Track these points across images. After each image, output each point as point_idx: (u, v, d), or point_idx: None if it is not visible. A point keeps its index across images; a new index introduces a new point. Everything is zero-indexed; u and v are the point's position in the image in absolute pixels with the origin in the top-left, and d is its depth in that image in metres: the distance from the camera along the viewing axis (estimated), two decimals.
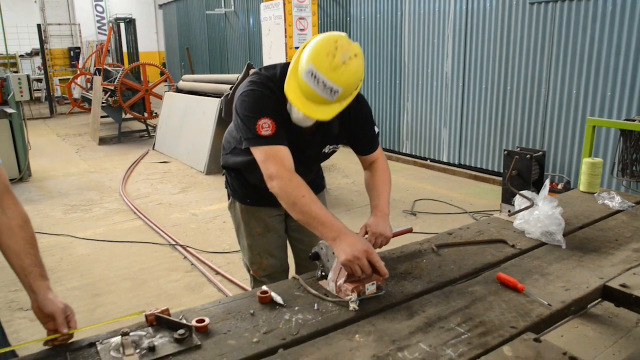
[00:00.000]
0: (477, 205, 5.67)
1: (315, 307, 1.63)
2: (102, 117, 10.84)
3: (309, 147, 2.12)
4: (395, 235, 2.06)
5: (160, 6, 18.91)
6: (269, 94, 1.95)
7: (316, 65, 1.73)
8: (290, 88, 1.83)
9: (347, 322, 1.56)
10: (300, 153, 2.01)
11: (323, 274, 1.82)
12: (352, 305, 1.62)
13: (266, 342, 1.45)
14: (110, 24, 17.41)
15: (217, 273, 4.01)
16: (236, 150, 2.28)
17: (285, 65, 1.99)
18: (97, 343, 1.47)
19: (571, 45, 5.56)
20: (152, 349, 1.42)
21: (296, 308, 1.64)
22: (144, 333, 1.51)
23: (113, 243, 4.77)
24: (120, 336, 1.45)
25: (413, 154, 7.88)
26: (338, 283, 1.69)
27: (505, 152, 2.47)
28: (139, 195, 6.49)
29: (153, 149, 9.46)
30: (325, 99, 1.78)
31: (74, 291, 3.85)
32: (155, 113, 10.67)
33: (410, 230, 2.19)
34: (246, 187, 2.38)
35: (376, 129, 2.23)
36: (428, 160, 7.64)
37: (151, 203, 6.11)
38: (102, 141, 10.48)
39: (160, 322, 1.55)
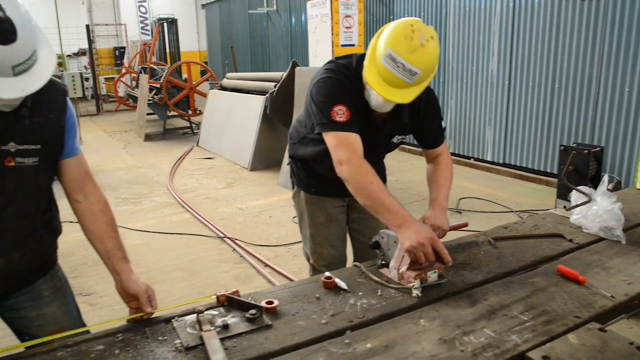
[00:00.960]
0: (524, 204, 5.61)
1: (379, 293, 1.68)
2: (147, 114, 11.15)
3: (379, 136, 2.17)
4: (452, 228, 2.09)
5: (203, 6, 19.26)
6: (345, 82, 2.01)
7: (395, 49, 1.78)
8: (370, 73, 1.89)
9: (411, 308, 1.61)
10: (370, 142, 2.06)
11: (383, 262, 1.87)
12: (415, 292, 1.66)
13: (334, 324, 1.51)
14: (156, 24, 17.84)
15: (266, 265, 4.10)
16: (305, 140, 2.33)
17: (361, 56, 2.05)
18: (172, 320, 1.56)
19: (624, 42, 5.43)
20: (225, 326, 1.50)
21: (360, 293, 1.69)
22: (216, 313, 1.59)
23: (164, 235, 4.93)
24: (195, 314, 1.54)
25: (456, 152, 7.83)
26: (400, 270, 1.74)
27: (562, 147, 2.46)
28: (186, 189, 6.67)
29: (197, 145, 9.68)
30: (405, 82, 1.83)
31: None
32: (199, 110, 10.91)
33: (465, 225, 2.22)
34: (312, 177, 2.44)
35: (443, 124, 2.26)
36: (472, 160, 7.58)
37: (198, 197, 6.27)
38: (148, 137, 10.78)
39: (231, 302, 1.63)
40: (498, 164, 7.18)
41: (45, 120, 1.57)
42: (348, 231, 2.62)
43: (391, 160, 7.80)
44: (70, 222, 1.99)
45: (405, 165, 7.65)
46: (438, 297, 1.66)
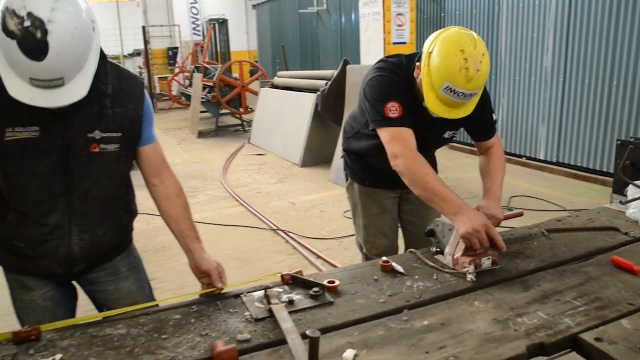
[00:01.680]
0: (578, 203, 5.51)
1: (434, 277, 1.77)
2: (200, 112, 11.50)
3: (431, 131, 2.25)
4: (507, 218, 2.14)
5: (254, 6, 19.61)
6: (397, 79, 2.10)
7: (453, 82, 1.88)
8: (431, 101, 1.98)
9: (465, 291, 1.68)
10: (422, 137, 2.14)
11: (438, 249, 1.95)
12: (470, 277, 1.73)
13: (392, 303, 1.61)
14: (210, 24, 18.33)
15: (318, 257, 4.22)
16: (359, 134, 2.44)
17: (410, 55, 2.14)
18: (241, 295, 1.70)
19: None
20: (291, 302, 1.62)
21: (416, 277, 1.78)
22: (281, 290, 1.72)
23: (219, 226, 5.14)
24: (262, 290, 1.67)
25: (508, 151, 7.72)
26: (455, 256, 1.81)
27: (619, 142, 2.44)
28: (239, 184, 6.89)
29: (249, 142, 9.92)
30: (464, 102, 1.95)
31: (188, 267, 4.21)
32: (250, 108, 11.17)
33: (521, 214, 2.26)
34: (366, 170, 2.54)
35: (494, 116, 2.31)
36: (523, 158, 7.48)
37: (251, 192, 6.47)
38: (201, 134, 11.12)
39: (295, 281, 1.75)
40: (551, 163, 7.05)
41: (125, 110, 1.73)
42: (400, 222, 2.70)
43: (441, 158, 7.76)
44: None
45: (455, 163, 7.63)
46: (492, 282, 1.73)
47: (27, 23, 1.32)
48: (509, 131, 7.70)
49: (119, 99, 1.71)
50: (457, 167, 7.38)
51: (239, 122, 11.83)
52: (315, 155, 7.70)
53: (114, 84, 1.69)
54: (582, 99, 6.49)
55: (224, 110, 11.44)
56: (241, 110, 11.42)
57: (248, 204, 5.83)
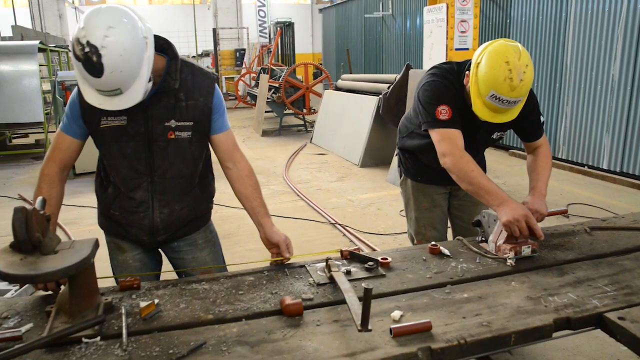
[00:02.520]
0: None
1: (477, 260, 1.97)
2: (265, 112, 11.96)
3: (479, 132, 2.44)
4: (551, 214, 2.31)
5: (320, 10, 20.03)
6: (448, 84, 2.32)
7: (498, 91, 2.09)
8: (478, 107, 2.20)
9: (504, 273, 1.88)
10: (470, 137, 2.35)
11: (483, 239, 2.15)
12: (510, 262, 1.93)
13: (437, 279, 1.83)
14: (276, 27, 18.89)
15: (374, 250, 4.45)
16: (413, 134, 2.67)
17: (461, 63, 2.36)
18: (305, 265, 1.97)
19: None
20: (348, 272, 1.87)
21: (461, 259, 1.99)
22: (340, 263, 1.97)
23: (281, 218, 5.46)
24: (324, 262, 1.93)
25: (569, 159, 7.66)
26: (498, 243, 2.01)
27: None
28: (300, 181, 7.21)
29: (310, 142, 10.26)
30: (509, 108, 2.15)
31: (252, 252, 4.55)
32: (314, 109, 11.52)
33: (565, 211, 2.41)
34: (418, 167, 2.76)
35: (542, 118, 2.48)
36: (585, 167, 7.39)
37: (311, 188, 6.77)
38: (265, 133, 11.58)
39: (352, 257, 2.00)
40: (614, 172, 6.94)
41: (196, 102, 2.03)
42: (449, 216, 2.90)
43: (501, 164, 7.87)
44: None
45: (513, 169, 7.64)
46: (529, 268, 1.92)
47: (86, 49, 1.65)
48: (572, 139, 7.63)
49: (191, 93, 2.01)
50: (515, 173, 7.39)
51: (301, 122, 12.21)
52: (375, 156, 7.92)
53: (187, 80, 2.00)
54: None
55: (287, 111, 11.85)
56: (304, 111, 11.78)
57: (308, 199, 6.13)
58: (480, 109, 2.18)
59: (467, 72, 2.27)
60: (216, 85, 2.13)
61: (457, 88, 2.32)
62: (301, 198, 6.26)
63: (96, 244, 1.62)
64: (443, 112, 2.27)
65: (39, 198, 1.65)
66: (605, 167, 7.09)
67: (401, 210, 5.49)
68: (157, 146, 2.00)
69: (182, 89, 1.99)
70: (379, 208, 5.75)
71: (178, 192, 2.11)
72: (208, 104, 2.05)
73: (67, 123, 2.02)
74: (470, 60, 2.32)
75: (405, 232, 4.78)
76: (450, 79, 2.34)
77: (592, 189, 6.58)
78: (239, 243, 4.79)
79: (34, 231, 1.51)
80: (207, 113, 2.06)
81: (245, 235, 4.99)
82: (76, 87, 1.95)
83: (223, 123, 2.15)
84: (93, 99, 1.80)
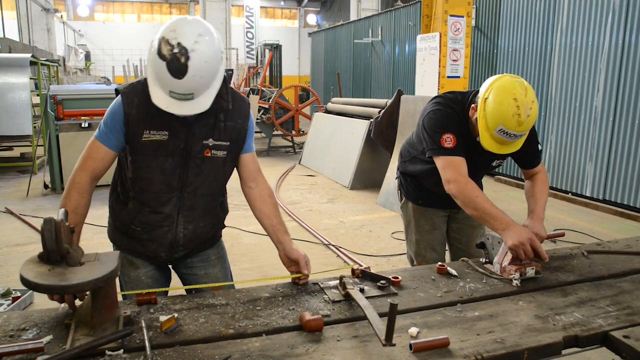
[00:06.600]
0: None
1: (484, 281, 2.05)
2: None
3: (480, 160, 2.54)
4: (550, 237, 2.40)
5: (310, 34, 20.31)
6: (452, 113, 2.42)
7: (506, 126, 2.19)
8: (486, 140, 2.30)
9: (511, 293, 1.95)
10: (472, 164, 2.45)
11: (487, 260, 2.22)
12: (515, 282, 2.00)
13: (447, 297, 1.90)
14: (264, 49, 19.09)
15: None
16: (415, 159, 2.76)
17: (464, 93, 2.48)
18: (319, 283, 2.02)
19: None
20: (362, 290, 1.92)
21: (468, 279, 2.06)
22: (352, 281, 2.03)
23: None
24: (337, 280, 1.98)
25: (554, 186, 7.85)
26: (503, 264, 2.09)
27: None
28: (292, 201, 7.26)
29: (299, 163, 10.35)
30: (515, 140, 2.25)
31: (246, 271, 4.58)
32: (303, 131, 11.63)
33: (562, 235, 2.51)
34: (420, 190, 2.85)
35: (539, 146, 2.59)
36: (569, 194, 7.58)
37: (303, 209, 6.83)
38: None
39: (364, 275, 2.06)
40: (597, 200, 7.14)
41: (234, 124, 2.10)
42: (447, 239, 2.99)
43: (487, 190, 8.00)
44: None
45: (500, 195, 7.80)
46: (534, 288, 2.00)
47: (176, 50, 1.72)
48: (556, 167, 7.83)
49: (230, 115, 2.08)
50: (502, 198, 7.55)
51: (289, 143, 12.30)
52: (365, 179, 8.02)
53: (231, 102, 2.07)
54: (632, 139, 6.60)
55: (276, 132, 11.94)
56: (294, 132, 11.89)
57: (300, 219, 6.17)
58: (488, 142, 2.28)
59: (473, 104, 2.37)
60: (250, 109, 2.22)
61: (460, 117, 2.42)
62: (293, 218, 6.30)
63: (120, 257, 1.66)
64: (448, 140, 2.37)
65: (61, 210, 1.68)
66: (588, 194, 7.29)
67: (393, 233, 5.57)
68: (193, 163, 2.05)
69: (222, 110, 2.05)
70: (370, 230, 5.82)
71: (204, 209, 2.17)
72: (245, 126, 2.13)
73: (105, 133, 2.01)
74: (473, 90, 2.44)
75: (399, 255, 4.89)
76: (455, 108, 2.44)
77: (576, 215, 6.75)
78: (232, 262, 4.72)
79: (63, 242, 1.54)
80: (243, 135, 2.14)
81: (238, 254, 5.01)
82: (118, 97, 1.99)
83: (251, 144, 2.23)
84: (161, 101, 1.83)
